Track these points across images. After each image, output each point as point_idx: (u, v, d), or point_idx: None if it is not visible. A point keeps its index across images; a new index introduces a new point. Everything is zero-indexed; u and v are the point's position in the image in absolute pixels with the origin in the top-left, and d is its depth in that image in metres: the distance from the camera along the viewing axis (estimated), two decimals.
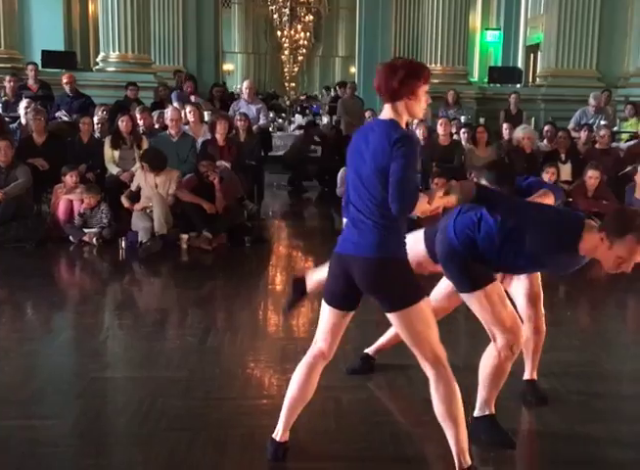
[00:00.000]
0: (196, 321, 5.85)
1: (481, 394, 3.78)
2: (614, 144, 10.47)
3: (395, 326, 3.28)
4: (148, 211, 8.19)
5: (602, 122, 10.99)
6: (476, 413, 3.79)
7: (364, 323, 4.69)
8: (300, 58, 37.37)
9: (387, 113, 3.15)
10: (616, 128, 11.86)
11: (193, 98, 11.07)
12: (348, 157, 3.25)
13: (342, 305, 3.32)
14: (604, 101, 12.05)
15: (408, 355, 3.38)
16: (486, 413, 3.77)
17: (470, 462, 3.29)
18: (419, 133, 9.96)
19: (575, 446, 3.78)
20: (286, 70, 38.27)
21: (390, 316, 3.21)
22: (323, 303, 3.38)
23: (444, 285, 4.00)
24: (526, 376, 4.27)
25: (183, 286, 6.96)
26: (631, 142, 10.58)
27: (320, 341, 3.41)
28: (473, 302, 3.59)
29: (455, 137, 10.26)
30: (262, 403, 4.21)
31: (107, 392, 4.52)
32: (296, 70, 38.61)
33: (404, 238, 3.19)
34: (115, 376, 4.76)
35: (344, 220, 3.33)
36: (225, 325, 5.86)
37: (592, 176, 8.59)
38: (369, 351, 4.64)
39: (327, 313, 3.36)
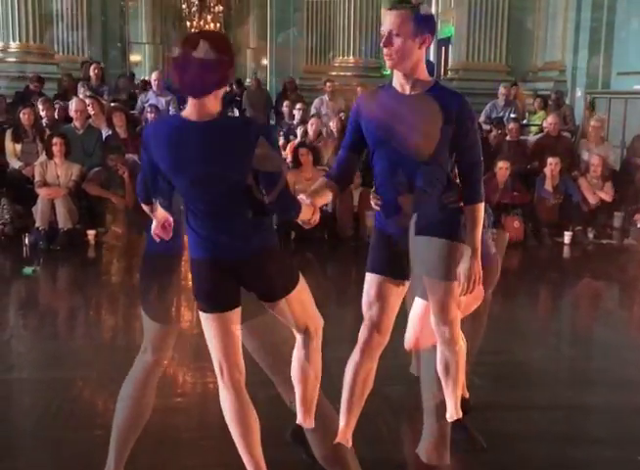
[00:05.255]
0: (105, 319, 5.67)
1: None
2: (522, 137, 10.66)
3: (282, 313, 2.91)
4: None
5: (512, 115, 11.17)
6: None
7: None
8: None
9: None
10: (525, 121, 12.08)
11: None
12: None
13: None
14: (513, 94, 12.26)
15: None
16: None
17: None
18: (332, 126, 9.90)
19: (489, 433, 3.73)
20: None
21: (277, 304, 2.89)
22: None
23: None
24: None
25: (91, 283, 6.76)
26: (539, 135, 10.78)
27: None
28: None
29: None
30: (176, 402, 4.09)
31: (12, 394, 4.33)
32: None
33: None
34: (22, 377, 4.56)
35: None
36: (136, 323, 5.67)
37: (502, 167, 8.71)
38: None
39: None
